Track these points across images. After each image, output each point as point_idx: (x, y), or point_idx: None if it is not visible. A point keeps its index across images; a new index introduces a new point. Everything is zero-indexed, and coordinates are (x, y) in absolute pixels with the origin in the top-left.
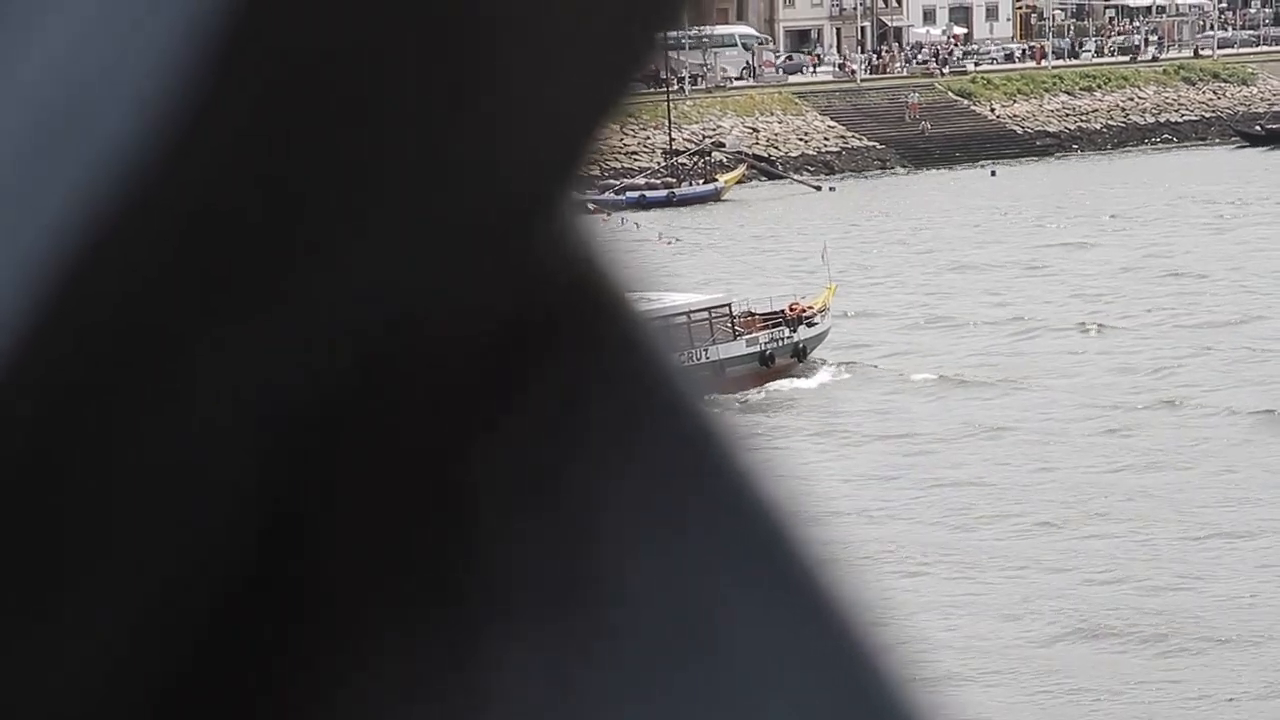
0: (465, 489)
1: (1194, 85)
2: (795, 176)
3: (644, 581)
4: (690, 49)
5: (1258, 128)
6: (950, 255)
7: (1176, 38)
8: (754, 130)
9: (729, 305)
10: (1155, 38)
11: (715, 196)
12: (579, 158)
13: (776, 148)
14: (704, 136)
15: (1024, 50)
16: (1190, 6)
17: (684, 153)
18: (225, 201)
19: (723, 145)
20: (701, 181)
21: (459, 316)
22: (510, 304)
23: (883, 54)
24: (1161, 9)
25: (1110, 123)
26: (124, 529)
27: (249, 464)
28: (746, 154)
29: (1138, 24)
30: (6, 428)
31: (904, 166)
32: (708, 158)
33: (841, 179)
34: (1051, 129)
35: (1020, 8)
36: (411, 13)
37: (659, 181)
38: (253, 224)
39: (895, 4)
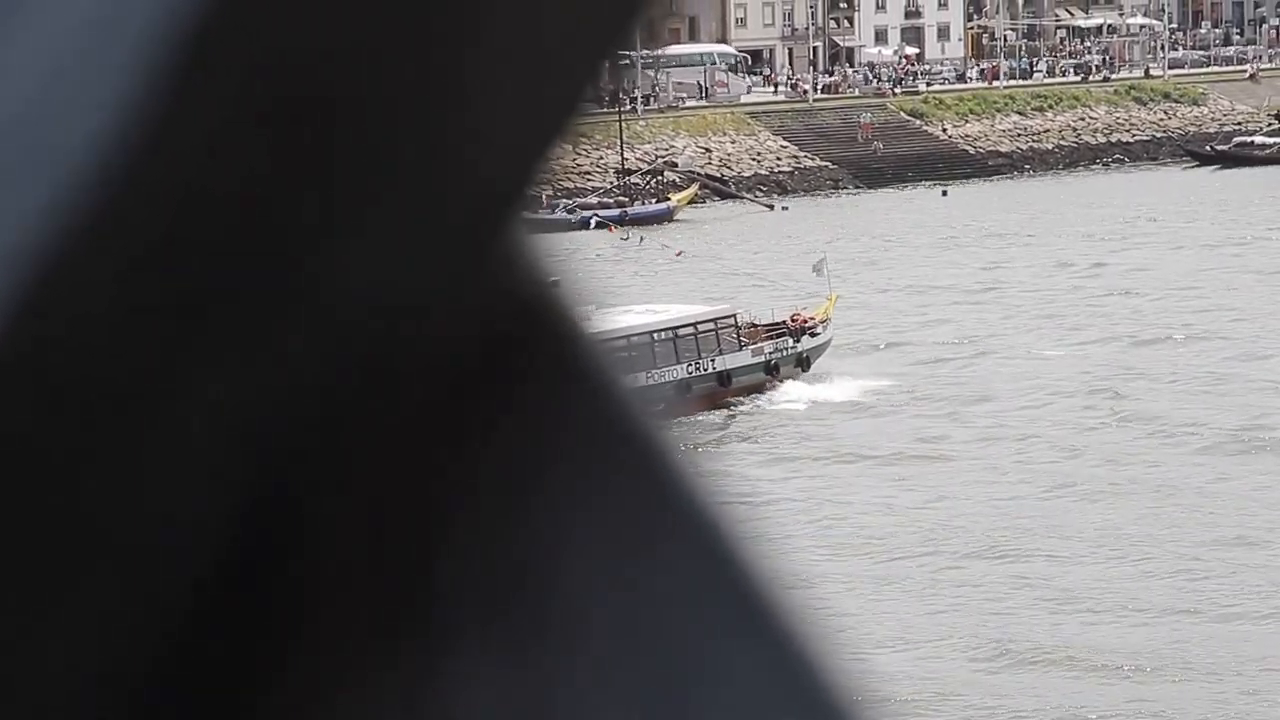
0: (422, 516)
1: (1145, 105)
2: (748, 196)
3: (604, 610)
4: (671, 68)
5: (1209, 148)
6: (904, 274)
7: (1127, 58)
8: (707, 150)
9: (734, 316)
10: (1107, 58)
11: (668, 216)
12: (529, 177)
13: (729, 167)
14: (657, 156)
15: (979, 70)
16: (1141, 27)
17: (636, 172)
18: (196, 201)
19: (675, 165)
20: (654, 201)
21: (423, 337)
22: (465, 325)
23: (834, 74)
24: (1113, 29)
25: (1062, 143)
26: (103, 530)
27: (216, 488)
28: (699, 174)
29: (1089, 44)
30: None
31: (856, 186)
32: (660, 177)
33: (794, 198)
34: (1004, 149)
35: (972, 28)
36: (372, 30)
37: (611, 201)
38: (216, 241)
39: (847, 24)
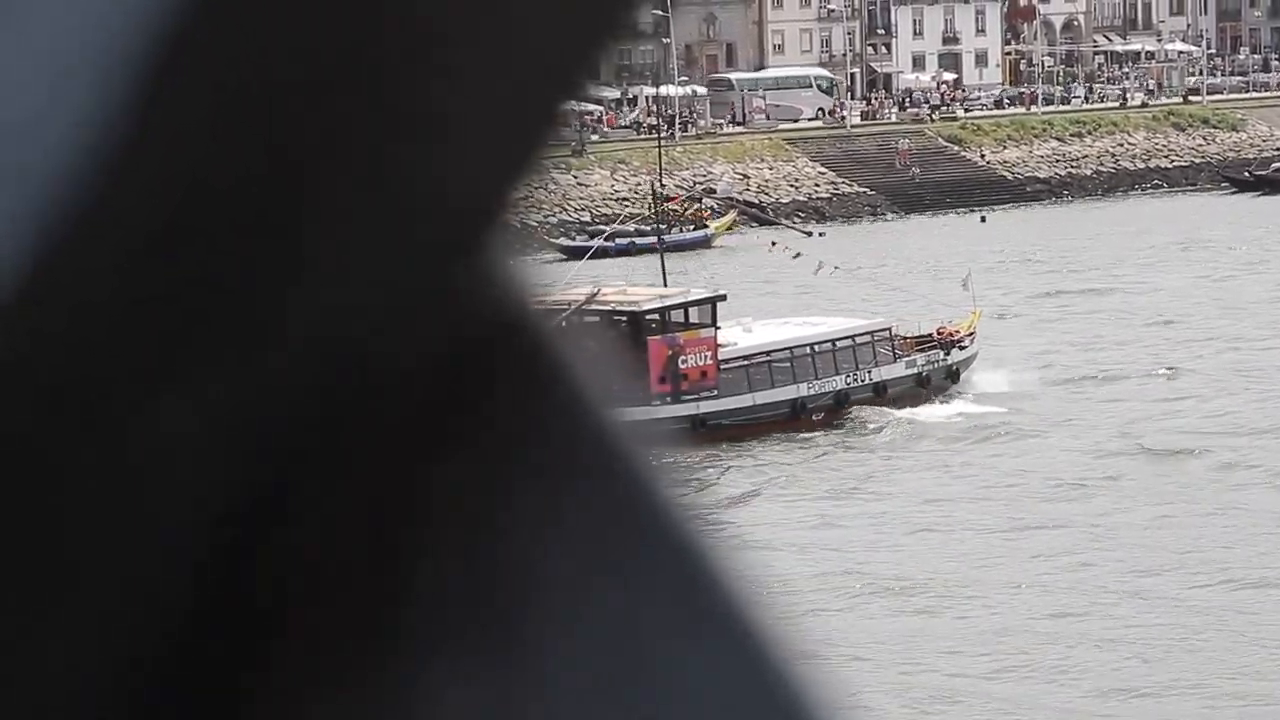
0: (405, 525)
1: (1184, 131)
2: (785, 222)
3: (577, 625)
4: (767, 89)
5: (1246, 174)
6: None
7: (1166, 83)
8: (744, 176)
9: (889, 329)
10: (1148, 82)
11: (706, 243)
12: (504, 201)
13: (767, 194)
14: (695, 182)
15: (1016, 95)
16: (1179, 53)
17: (675, 198)
18: (178, 219)
19: (713, 191)
20: (692, 228)
21: (396, 355)
22: (444, 343)
23: (872, 100)
24: (1151, 55)
25: (1100, 168)
26: (97, 529)
27: (195, 495)
28: (737, 200)
29: (1126, 69)
30: None
31: (894, 212)
32: (698, 204)
33: (832, 225)
34: (1042, 174)
35: (1009, 54)
36: (349, 49)
37: (649, 228)
38: (187, 258)
39: (884, 50)
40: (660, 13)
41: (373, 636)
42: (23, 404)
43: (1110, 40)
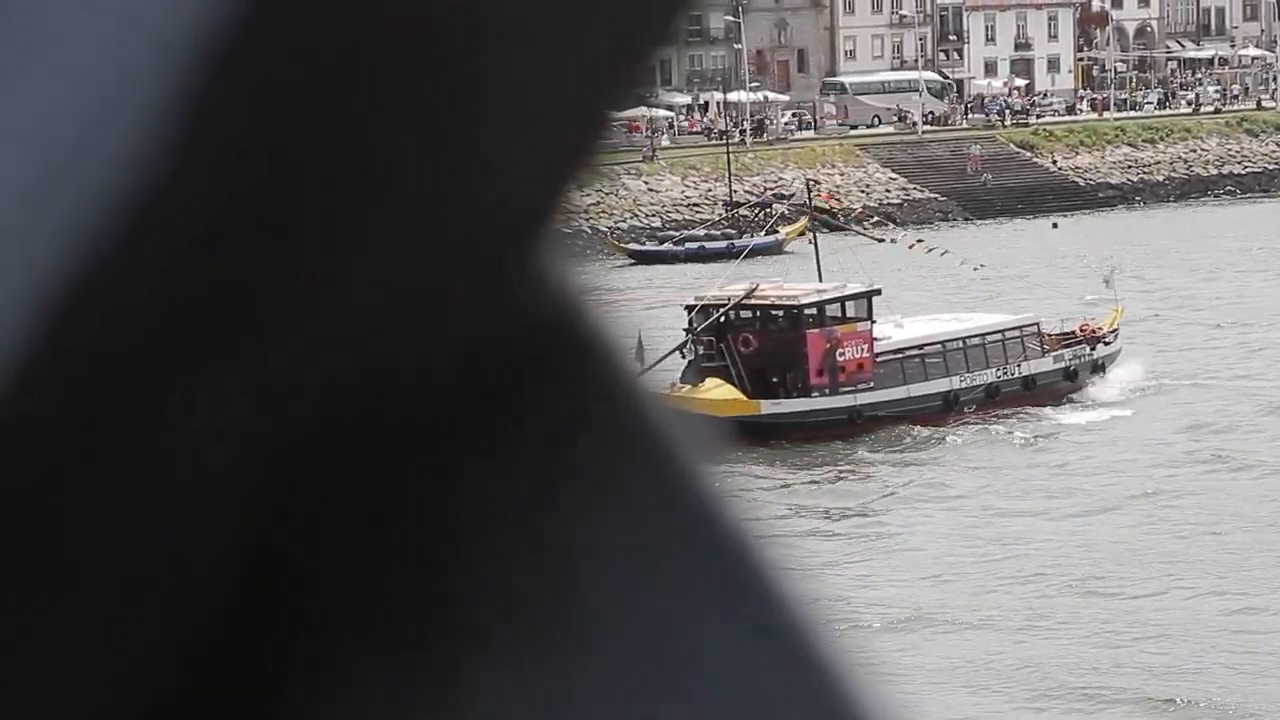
0: (449, 525)
1: (1257, 137)
2: (856, 228)
3: (624, 622)
4: (878, 93)
5: None
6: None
7: (1239, 89)
8: (815, 182)
9: (1038, 324)
10: (1233, 87)
11: (778, 248)
12: (559, 200)
13: (838, 200)
14: (765, 188)
15: (1092, 101)
16: (1253, 59)
17: (745, 204)
18: (218, 222)
19: (784, 197)
20: (763, 233)
21: (444, 354)
22: (495, 342)
23: (945, 105)
24: (1224, 61)
25: (1173, 174)
26: (122, 541)
27: (238, 494)
28: (808, 206)
29: (1199, 75)
30: (15, 438)
31: (965, 218)
32: (769, 210)
33: (904, 230)
34: (1114, 181)
35: (1082, 60)
36: (402, 45)
37: (719, 233)
38: (236, 260)
39: (956, 56)
40: (732, 18)
41: (416, 635)
42: (55, 405)
43: (1183, 46)
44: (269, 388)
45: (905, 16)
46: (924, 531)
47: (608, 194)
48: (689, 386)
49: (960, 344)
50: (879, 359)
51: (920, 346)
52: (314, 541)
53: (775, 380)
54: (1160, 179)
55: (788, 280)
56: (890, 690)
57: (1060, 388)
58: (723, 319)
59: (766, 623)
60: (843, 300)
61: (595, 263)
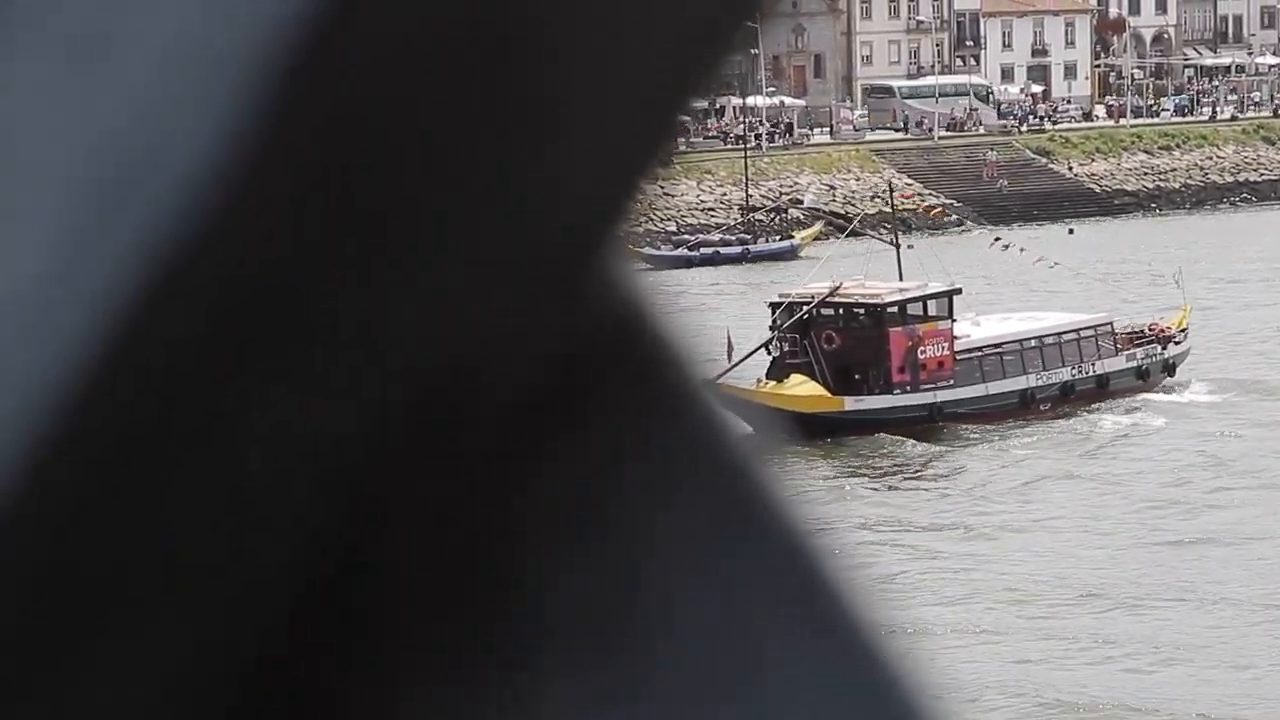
0: (513, 527)
1: (1274, 145)
2: (872, 234)
3: (686, 623)
4: (925, 96)
5: None
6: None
7: (1256, 97)
8: (831, 188)
9: (1110, 324)
10: (1252, 95)
11: (792, 253)
12: (625, 205)
13: (854, 205)
14: (781, 193)
15: (1109, 107)
16: (1270, 66)
17: (761, 209)
18: (285, 242)
19: (800, 202)
20: (778, 238)
21: (510, 358)
22: (559, 346)
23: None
24: (1241, 68)
25: (1189, 182)
26: (181, 564)
27: (304, 498)
28: (824, 211)
29: (1216, 83)
30: (71, 460)
31: (981, 224)
32: (784, 214)
33: (918, 236)
34: (1130, 188)
35: (1099, 66)
36: (467, 56)
37: (734, 238)
38: (310, 264)
39: (973, 62)
40: (749, 23)
41: (478, 642)
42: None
43: (1200, 54)
44: (332, 392)
45: (922, 22)
46: (1024, 530)
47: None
48: (774, 382)
49: (1037, 342)
50: (959, 357)
51: (998, 345)
52: (375, 548)
53: (858, 377)
54: (1176, 186)
55: (806, 279)
56: (951, 694)
57: (1132, 386)
58: (806, 316)
59: (828, 627)
60: (924, 299)
61: (639, 266)
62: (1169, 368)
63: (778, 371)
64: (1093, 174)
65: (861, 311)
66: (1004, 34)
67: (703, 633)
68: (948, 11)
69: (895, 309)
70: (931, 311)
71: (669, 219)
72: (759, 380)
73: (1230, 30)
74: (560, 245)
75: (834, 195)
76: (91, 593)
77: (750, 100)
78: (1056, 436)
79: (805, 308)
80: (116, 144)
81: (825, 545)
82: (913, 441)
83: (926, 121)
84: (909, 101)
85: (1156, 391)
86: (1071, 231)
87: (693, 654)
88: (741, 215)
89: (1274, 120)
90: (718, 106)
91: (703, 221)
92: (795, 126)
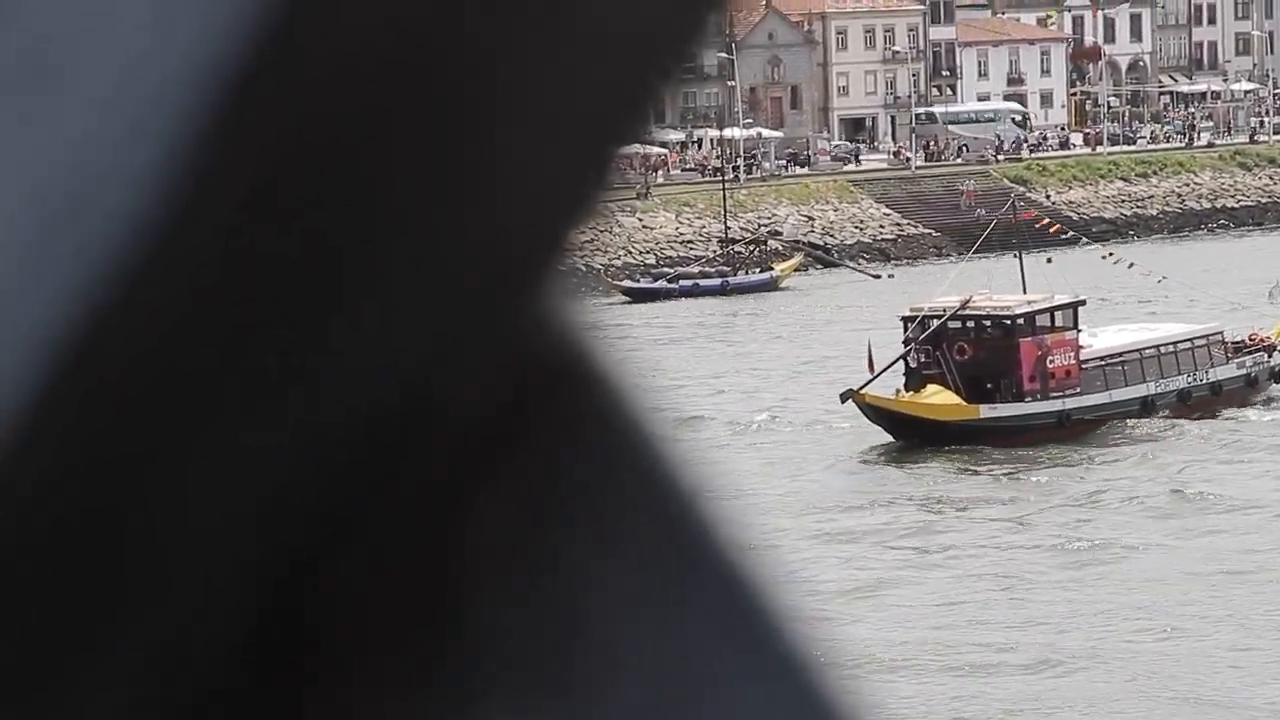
0: (453, 567)
1: (1250, 171)
2: (850, 264)
3: (630, 657)
4: (965, 123)
5: None
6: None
7: (1231, 123)
8: (809, 218)
9: (1221, 333)
10: (1232, 120)
11: (772, 285)
12: (562, 241)
13: (832, 235)
14: (760, 225)
15: (1085, 135)
16: (1245, 93)
17: (740, 241)
18: (221, 275)
19: (778, 234)
20: (758, 270)
21: (449, 396)
22: (498, 384)
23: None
24: (1216, 95)
25: (1167, 208)
26: (134, 595)
27: (249, 528)
28: (803, 242)
29: (1192, 110)
30: (57, 447)
31: (960, 253)
32: (764, 246)
33: (898, 266)
34: (1108, 215)
35: (1075, 94)
36: (407, 92)
37: (713, 270)
38: (248, 299)
39: (949, 91)
40: (725, 55)
41: (424, 671)
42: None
43: (1175, 80)
44: (273, 422)
45: (898, 52)
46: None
47: (601, 231)
48: (912, 393)
49: (1154, 351)
50: (1083, 366)
51: (1119, 354)
52: (321, 581)
53: (990, 386)
54: (1154, 213)
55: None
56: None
57: (1243, 393)
58: (938, 329)
59: (773, 659)
60: (1052, 310)
61: (592, 301)
62: (1275, 375)
63: (914, 382)
64: (1070, 201)
65: (989, 323)
66: (979, 63)
67: (646, 666)
68: (923, 41)
69: (1024, 320)
70: (1058, 322)
71: (648, 252)
72: (898, 391)
73: (1205, 57)
74: (496, 281)
75: (812, 226)
76: (37, 616)
77: (727, 132)
78: (1182, 439)
79: (940, 320)
80: (58, 174)
81: (768, 577)
82: (1043, 446)
83: (967, 147)
84: (950, 127)
85: (1267, 396)
86: (1050, 260)
87: (637, 687)
88: (721, 247)
89: (1250, 146)
90: (695, 139)
91: (682, 254)
92: (772, 157)
